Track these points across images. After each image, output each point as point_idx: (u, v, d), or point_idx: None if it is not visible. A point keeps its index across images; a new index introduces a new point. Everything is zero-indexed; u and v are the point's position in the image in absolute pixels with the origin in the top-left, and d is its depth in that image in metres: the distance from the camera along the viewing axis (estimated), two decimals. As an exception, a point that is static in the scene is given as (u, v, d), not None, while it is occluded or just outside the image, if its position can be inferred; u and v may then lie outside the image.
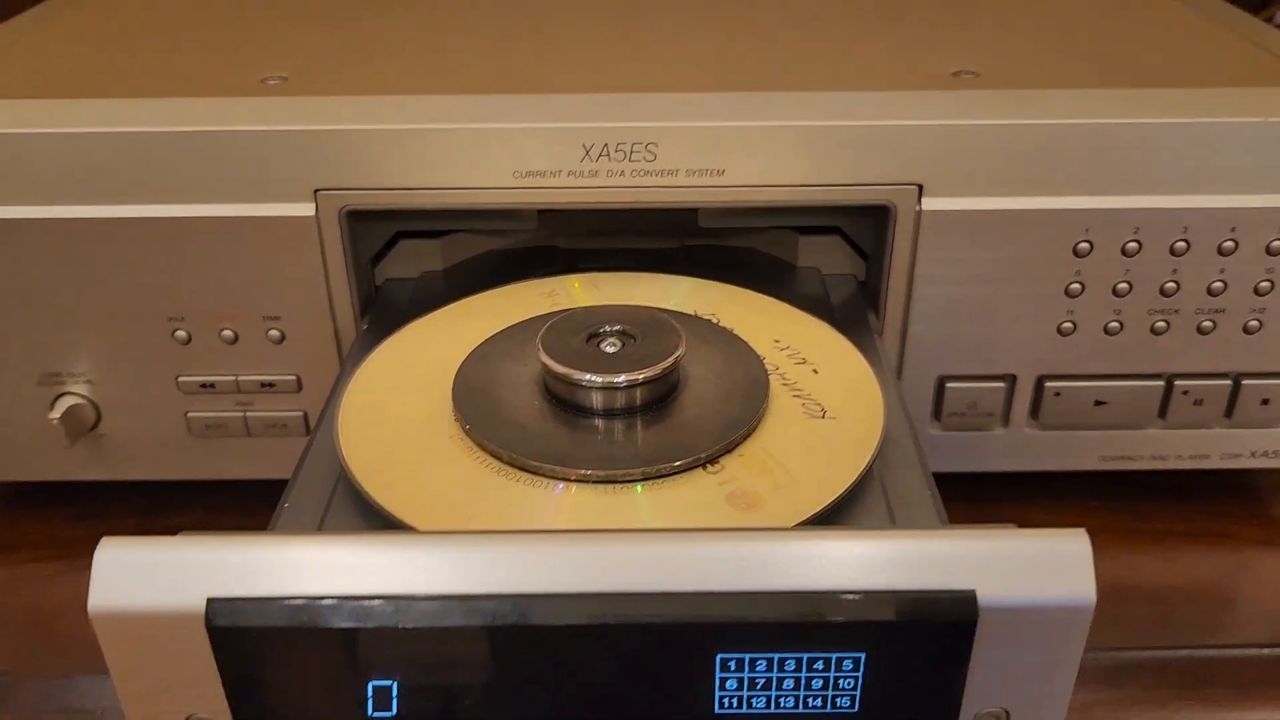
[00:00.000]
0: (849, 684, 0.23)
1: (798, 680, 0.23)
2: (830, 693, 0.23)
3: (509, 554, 0.22)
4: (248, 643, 0.22)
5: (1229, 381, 0.39)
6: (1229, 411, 0.39)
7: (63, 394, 0.39)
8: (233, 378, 0.39)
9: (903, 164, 0.35)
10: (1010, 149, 0.35)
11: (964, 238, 0.36)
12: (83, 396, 0.39)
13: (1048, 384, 0.39)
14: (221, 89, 0.38)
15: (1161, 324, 0.37)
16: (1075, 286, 0.37)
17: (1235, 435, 0.40)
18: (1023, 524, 0.40)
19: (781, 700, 0.24)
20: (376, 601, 0.22)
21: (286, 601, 0.22)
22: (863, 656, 0.23)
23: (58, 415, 0.38)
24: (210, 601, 0.22)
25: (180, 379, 0.39)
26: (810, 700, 0.24)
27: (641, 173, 0.35)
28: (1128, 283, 0.37)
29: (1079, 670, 0.35)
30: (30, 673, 0.36)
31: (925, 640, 0.23)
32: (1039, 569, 0.22)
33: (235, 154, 0.35)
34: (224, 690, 0.23)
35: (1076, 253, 0.36)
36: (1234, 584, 0.39)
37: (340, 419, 0.31)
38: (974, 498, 0.42)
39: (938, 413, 0.39)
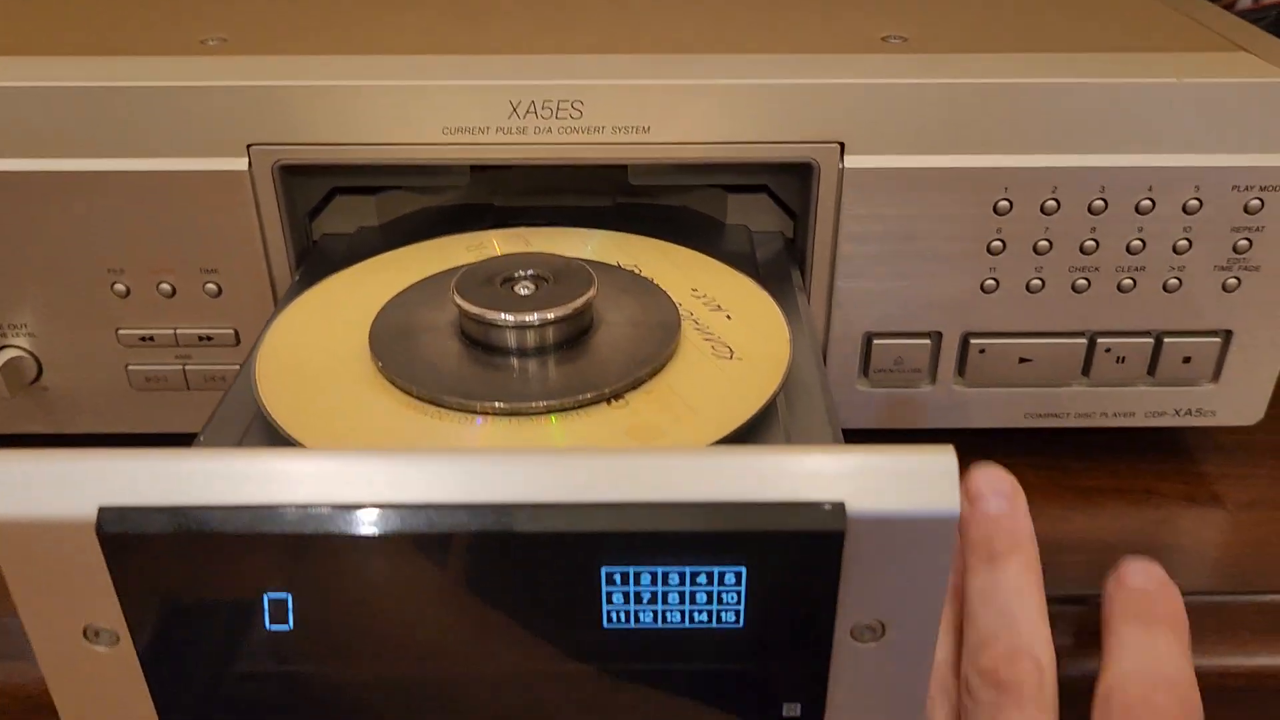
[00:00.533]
0: (732, 598, 0.24)
1: (682, 594, 0.24)
2: (715, 607, 0.24)
3: (395, 466, 0.23)
4: (139, 551, 0.23)
5: (1151, 339, 0.39)
6: (1152, 369, 0.40)
7: (3, 346, 0.39)
8: (171, 330, 0.39)
9: (825, 122, 0.36)
10: (930, 108, 0.36)
11: (886, 195, 0.37)
12: (23, 349, 0.40)
13: (973, 341, 0.39)
14: (160, 49, 0.38)
15: (1082, 282, 0.38)
16: (997, 244, 0.38)
17: (1159, 393, 0.41)
18: (951, 481, 0.40)
19: (668, 615, 0.24)
20: (264, 509, 0.22)
21: (176, 509, 0.22)
22: (743, 570, 0.23)
23: (-2, 366, 0.39)
24: (101, 510, 0.22)
25: (120, 331, 0.39)
26: (696, 615, 0.24)
27: (568, 129, 0.36)
28: (1048, 240, 0.37)
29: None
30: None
31: (799, 550, 0.23)
32: (907, 482, 0.23)
33: (170, 109, 0.35)
34: (118, 600, 0.23)
35: (997, 211, 0.37)
36: (1158, 536, 0.39)
37: (259, 358, 0.32)
38: (905, 456, 0.43)
39: (865, 369, 0.40)
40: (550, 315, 0.30)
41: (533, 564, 0.23)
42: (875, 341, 0.39)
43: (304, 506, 0.23)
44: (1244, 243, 0.37)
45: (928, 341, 0.39)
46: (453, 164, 0.37)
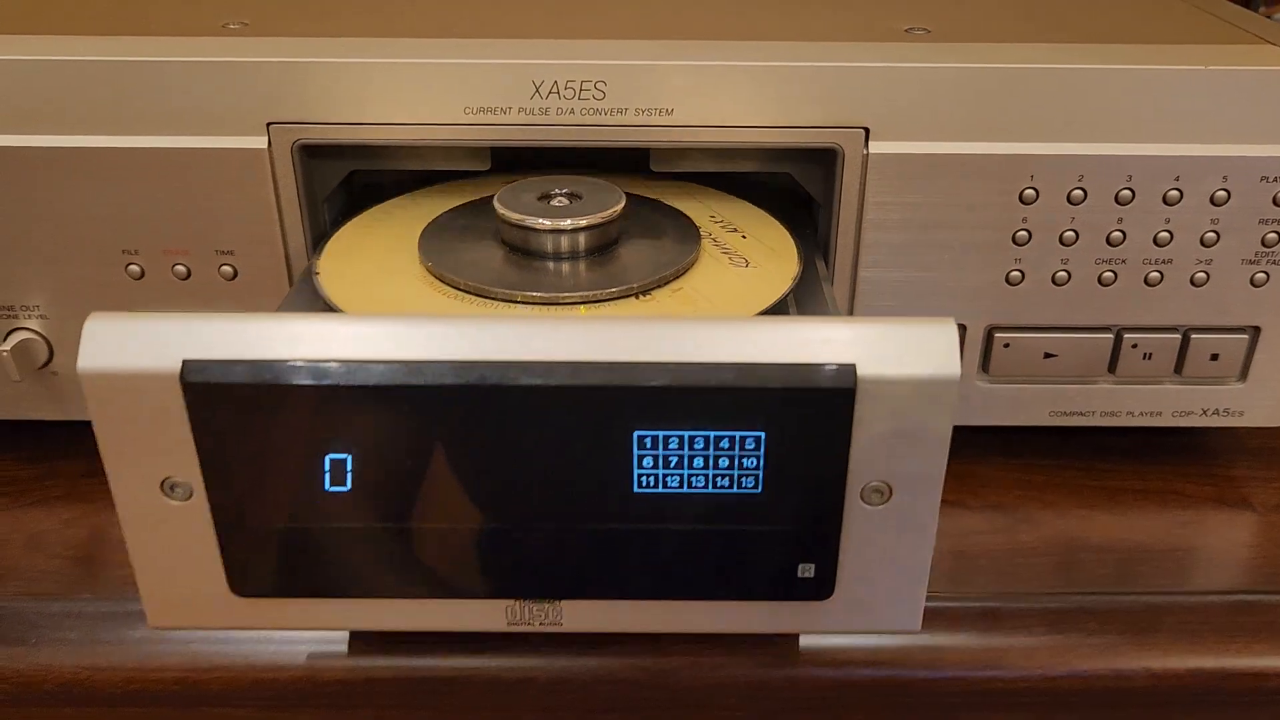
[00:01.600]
0: (751, 463, 0.26)
1: (706, 459, 0.26)
2: (736, 472, 0.26)
3: (452, 329, 0.25)
4: (218, 401, 0.25)
5: (1178, 335, 0.39)
6: (1179, 367, 0.39)
7: (16, 329, 0.39)
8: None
9: (850, 107, 0.36)
10: (955, 92, 0.35)
11: (911, 182, 0.36)
12: (35, 332, 0.39)
13: (997, 334, 0.39)
14: (181, 31, 0.38)
15: (1109, 274, 0.38)
16: (1022, 234, 0.37)
17: (1187, 392, 0.40)
18: (977, 479, 0.40)
19: (693, 479, 0.26)
20: (333, 364, 0.25)
21: (253, 362, 0.25)
22: (762, 435, 0.25)
23: (8, 347, 0.38)
24: (186, 362, 0.25)
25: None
26: (719, 480, 0.26)
27: (591, 111, 0.36)
28: (1074, 231, 0.37)
29: (1023, 614, 0.35)
30: (-34, 599, 0.36)
31: (814, 410, 0.25)
32: (911, 348, 0.25)
33: (189, 85, 0.35)
34: (196, 453, 0.25)
35: (1022, 199, 0.37)
36: (1186, 537, 0.39)
37: (321, 260, 0.36)
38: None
39: (888, 364, 0.40)
40: (583, 222, 0.34)
41: (572, 424, 0.25)
42: (898, 334, 0.39)
43: (370, 362, 0.25)
44: (1273, 235, 0.37)
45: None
46: (473, 144, 0.37)
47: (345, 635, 0.34)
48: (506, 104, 0.36)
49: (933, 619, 0.35)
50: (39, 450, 0.42)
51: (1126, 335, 0.39)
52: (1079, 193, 0.36)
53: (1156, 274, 0.38)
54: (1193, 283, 0.38)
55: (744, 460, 0.26)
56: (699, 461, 0.26)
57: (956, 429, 0.41)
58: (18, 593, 0.36)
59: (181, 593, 0.28)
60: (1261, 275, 0.38)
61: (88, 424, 0.41)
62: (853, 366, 0.25)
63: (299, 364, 0.25)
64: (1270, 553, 0.38)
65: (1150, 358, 0.39)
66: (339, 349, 0.25)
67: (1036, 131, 0.36)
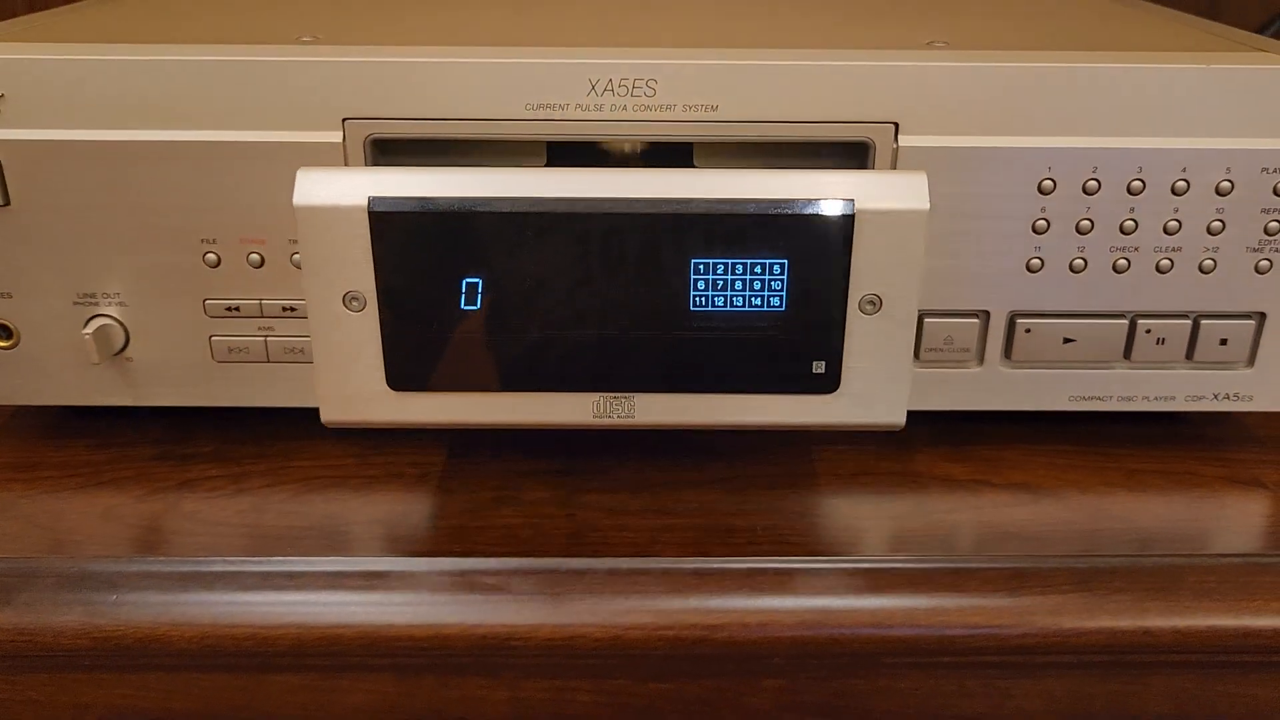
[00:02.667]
0: (777, 285, 0.36)
1: (744, 283, 0.35)
2: (766, 293, 0.36)
3: (561, 177, 0.35)
4: (392, 227, 0.35)
5: (1189, 321, 0.41)
6: (1190, 352, 0.42)
7: (96, 315, 0.41)
8: (257, 301, 0.41)
9: (880, 103, 0.39)
10: (978, 90, 0.38)
11: (938, 174, 0.39)
12: (114, 318, 0.42)
13: (1019, 321, 0.41)
14: (259, 41, 0.41)
15: (1123, 262, 0.40)
16: (1041, 223, 0.40)
17: (1198, 377, 0.42)
18: (1004, 462, 0.42)
19: (734, 299, 0.36)
20: (473, 200, 0.35)
21: (419, 198, 0.35)
22: (786, 262, 0.35)
23: (90, 331, 0.41)
24: (371, 198, 0.35)
25: (207, 301, 0.41)
26: (753, 300, 0.36)
27: (642, 106, 0.39)
28: (1090, 220, 0.40)
29: (1053, 575, 0.37)
30: (48, 559, 0.37)
31: (825, 235, 0.35)
32: (893, 189, 0.35)
33: (269, 82, 0.38)
34: (373, 271, 0.35)
35: (1041, 190, 0.39)
36: (1201, 509, 0.41)
37: None
38: (954, 441, 0.44)
39: (917, 350, 0.42)
40: None
41: (646, 252, 0.35)
42: (927, 320, 0.41)
43: (503, 198, 0.35)
44: (1274, 224, 0.40)
45: (976, 321, 0.41)
46: (534, 139, 0.39)
47: (405, 612, 0.36)
48: (564, 100, 0.39)
49: (964, 580, 0.37)
50: (109, 437, 0.45)
51: (1140, 321, 0.41)
52: (1093, 184, 0.39)
53: (1167, 261, 0.40)
54: (1201, 270, 0.40)
55: (772, 283, 0.35)
56: (739, 284, 0.35)
57: (982, 414, 0.43)
58: (97, 554, 0.38)
59: (350, 390, 0.37)
60: (1265, 263, 0.40)
61: (155, 411, 0.44)
62: (852, 200, 0.35)
63: (449, 199, 0.35)
64: (1283, 523, 0.40)
65: (1163, 343, 0.42)
66: (477, 189, 0.35)
67: (1053, 126, 0.39)
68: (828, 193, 0.35)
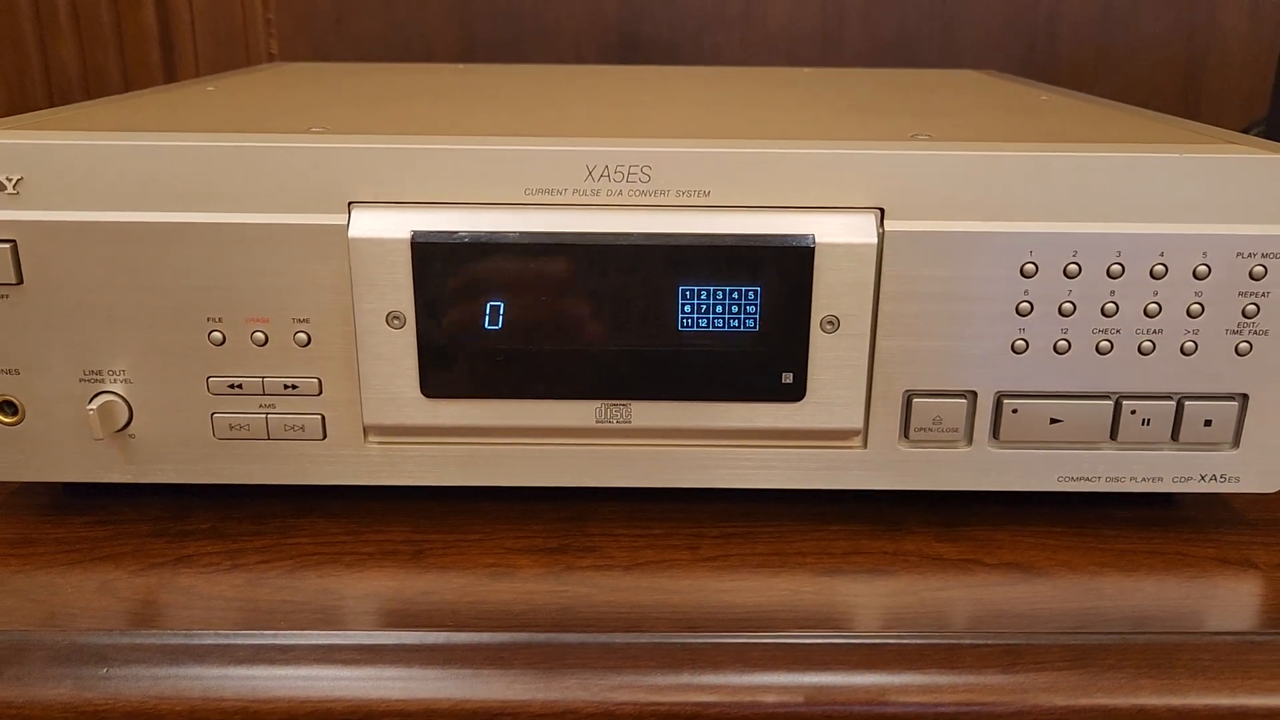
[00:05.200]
0: (752, 309, 0.41)
1: (724, 306, 0.41)
2: (742, 315, 0.41)
3: (568, 215, 0.40)
4: (428, 253, 0.40)
5: (1173, 402, 0.42)
6: (1175, 433, 0.42)
7: (100, 392, 0.42)
8: (259, 379, 0.42)
9: (867, 189, 0.40)
10: (960, 177, 0.40)
11: (922, 258, 0.40)
12: (118, 395, 0.42)
13: (1006, 401, 0.42)
14: (270, 130, 0.43)
15: (1105, 343, 0.41)
16: (1025, 305, 0.41)
17: (1185, 458, 0.43)
18: (994, 543, 0.43)
19: (715, 322, 0.41)
20: (488, 233, 0.40)
21: (454, 231, 0.40)
22: (759, 289, 0.40)
23: (94, 407, 0.41)
24: (414, 232, 0.40)
25: (211, 379, 0.42)
26: (731, 321, 0.41)
27: (637, 192, 0.40)
28: (1072, 303, 0.41)
29: (1047, 652, 0.37)
30: (39, 632, 0.37)
31: (789, 265, 0.40)
32: (847, 227, 0.40)
33: (278, 167, 0.40)
34: (413, 293, 0.40)
35: (1023, 273, 0.41)
36: (1193, 589, 0.41)
37: None
38: (944, 522, 0.45)
39: (906, 430, 0.43)
40: None
41: (639, 280, 0.40)
42: (915, 400, 0.42)
43: (517, 233, 0.40)
44: (1252, 307, 0.41)
45: (964, 401, 0.42)
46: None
47: (408, 683, 0.36)
48: (563, 185, 0.40)
49: (958, 656, 0.37)
50: (107, 515, 0.45)
51: (1125, 402, 0.42)
52: (1074, 267, 0.40)
53: (1149, 343, 0.41)
54: (1183, 352, 0.41)
55: (748, 308, 0.41)
56: (719, 308, 0.41)
57: (972, 495, 0.44)
58: (90, 628, 0.38)
59: (388, 396, 0.42)
60: (1245, 345, 0.41)
61: (155, 491, 0.45)
62: (813, 235, 0.40)
63: (478, 232, 0.40)
64: (1276, 600, 0.40)
65: (1148, 424, 0.42)
66: (497, 225, 0.40)
67: (1034, 212, 0.40)
68: (793, 229, 0.40)
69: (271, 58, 0.90)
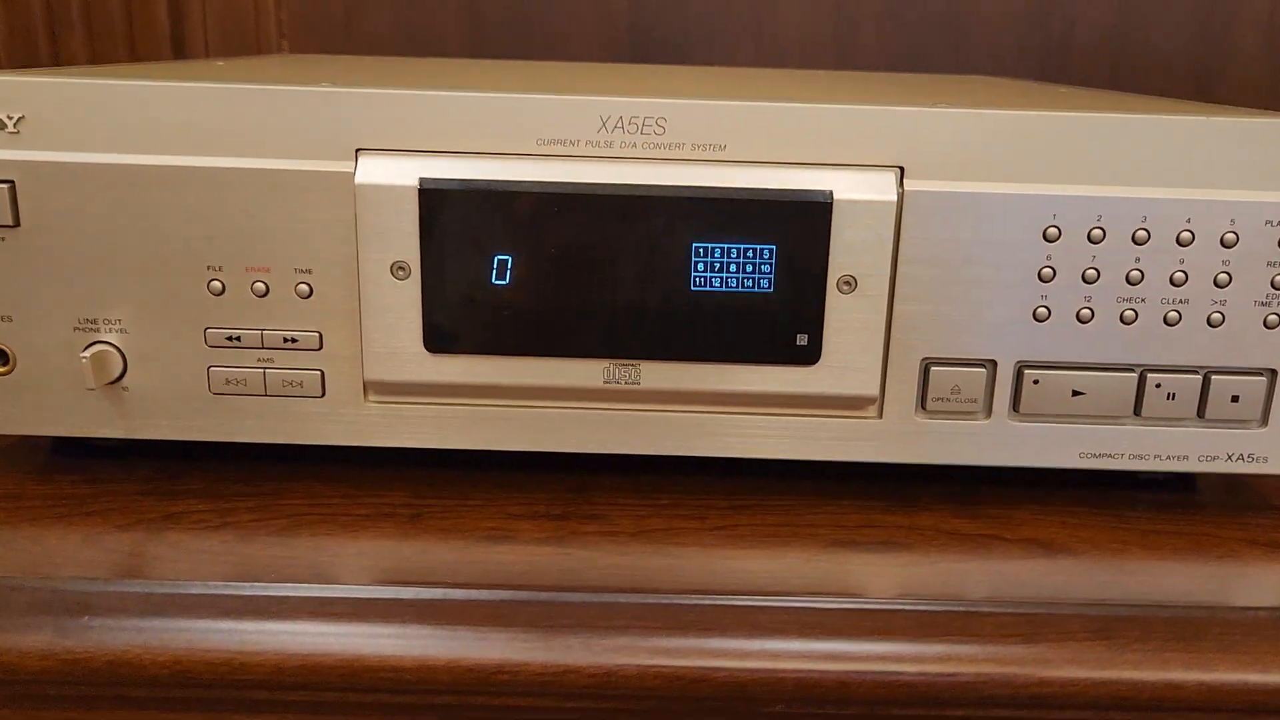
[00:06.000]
0: (767, 269, 0.39)
1: (738, 265, 0.39)
2: (756, 275, 0.39)
3: (584, 166, 0.39)
4: (436, 200, 0.39)
5: (1199, 376, 0.41)
6: (1201, 410, 0.41)
7: (95, 341, 0.41)
8: (258, 331, 0.41)
9: (886, 146, 0.39)
10: (983, 136, 0.39)
11: (942, 219, 0.39)
12: (113, 345, 0.41)
13: (1026, 371, 0.41)
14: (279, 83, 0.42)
15: (1130, 312, 0.40)
16: (1047, 271, 0.40)
17: (1211, 435, 0.42)
18: (1014, 520, 0.41)
19: (728, 280, 0.39)
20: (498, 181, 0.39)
21: (463, 179, 0.39)
22: (774, 248, 0.39)
23: (88, 355, 0.40)
24: (422, 178, 0.39)
25: (208, 330, 0.41)
26: (745, 281, 0.39)
27: (651, 145, 0.39)
28: (1095, 269, 0.40)
29: (1069, 622, 0.35)
30: (20, 579, 0.36)
31: (805, 222, 0.39)
32: (866, 182, 0.39)
33: (286, 112, 0.39)
34: (419, 241, 0.39)
35: (1046, 237, 0.39)
36: (1220, 566, 0.39)
37: None
38: (962, 499, 0.43)
39: (923, 400, 0.41)
40: None
41: (651, 235, 0.39)
42: (933, 369, 0.41)
43: (528, 180, 0.39)
44: (1281, 278, 0.40)
45: (983, 370, 0.41)
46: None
47: (387, 641, 0.35)
48: (575, 136, 0.39)
49: (977, 624, 0.36)
50: (96, 475, 0.44)
51: (1150, 375, 0.41)
52: (1098, 232, 0.39)
53: (1175, 313, 0.40)
54: (1209, 323, 0.40)
55: (762, 266, 0.39)
56: (733, 267, 0.39)
57: (991, 473, 0.42)
58: (73, 575, 0.36)
59: (391, 350, 0.41)
60: (1274, 317, 0.40)
61: (147, 452, 0.43)
62: (831, 191, 0.39)
63: (487, 180, 0.39)
64: (1306, 582, 0.39)
65: (1174, 398, 0.41)
66: (508, 175, 0.39)
67: (1058, 174, 0.39)
68: (810, 185, 0.39)
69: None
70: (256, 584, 0.36)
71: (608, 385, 0.41)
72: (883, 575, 0.38)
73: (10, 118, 0.39)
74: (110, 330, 0.41)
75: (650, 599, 0.36)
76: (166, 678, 0.34)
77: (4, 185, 0.39)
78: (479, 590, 0.36)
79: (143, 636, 0.35)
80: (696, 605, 0.36)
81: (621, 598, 0.36)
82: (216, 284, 0.40)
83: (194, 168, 0.39)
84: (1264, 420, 0.41)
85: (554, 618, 0.35)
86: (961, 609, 0.36)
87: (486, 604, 0.36)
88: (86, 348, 0.41)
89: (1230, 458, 0.42)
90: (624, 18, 0.87)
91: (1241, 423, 0.41)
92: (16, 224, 0.40)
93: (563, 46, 0.88)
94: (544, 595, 0.36)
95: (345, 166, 0.39)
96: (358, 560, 0.38)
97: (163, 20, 0.89)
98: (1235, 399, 0.41)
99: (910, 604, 0.36)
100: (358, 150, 0.39)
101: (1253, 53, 0.88)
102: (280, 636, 0.35)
